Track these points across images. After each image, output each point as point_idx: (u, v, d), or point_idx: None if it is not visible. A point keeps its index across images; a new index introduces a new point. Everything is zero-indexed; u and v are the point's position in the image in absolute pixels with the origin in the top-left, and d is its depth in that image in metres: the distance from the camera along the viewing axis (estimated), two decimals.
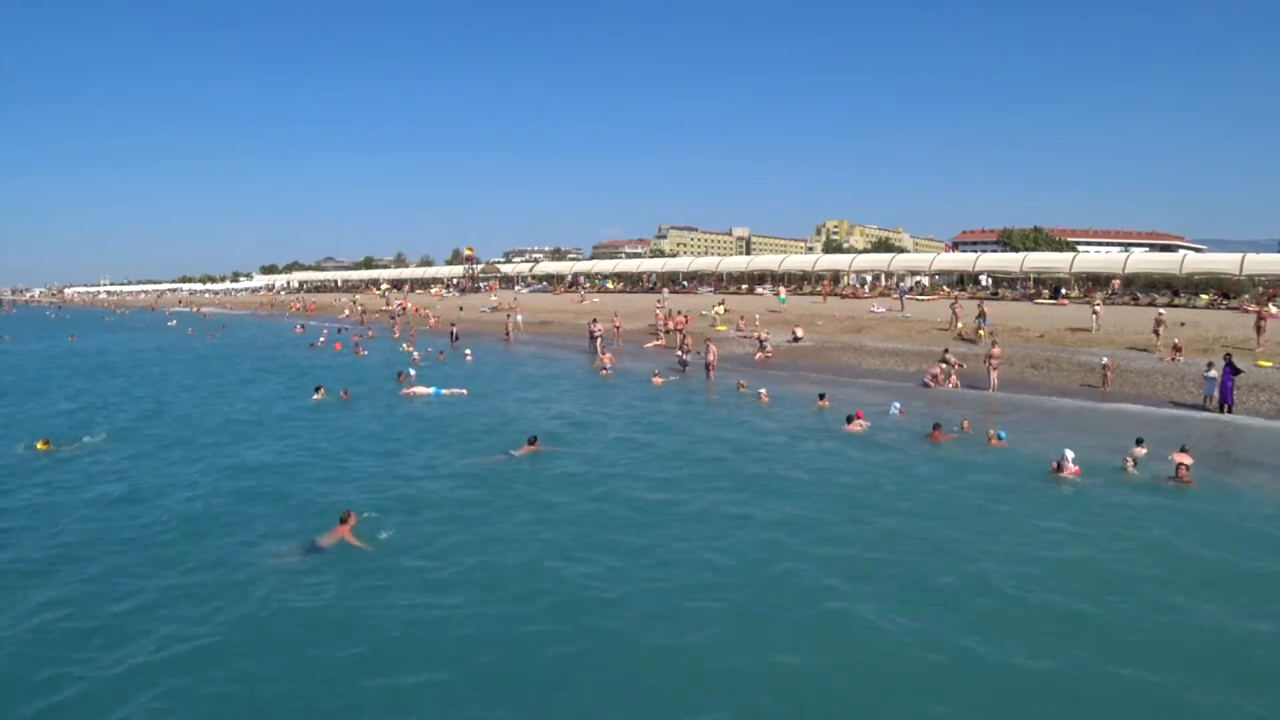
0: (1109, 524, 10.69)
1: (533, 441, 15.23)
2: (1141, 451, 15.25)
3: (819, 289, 55.03)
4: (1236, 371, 19.44)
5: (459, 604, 8.53)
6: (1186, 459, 14.39)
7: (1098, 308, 32.24)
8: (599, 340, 34.12)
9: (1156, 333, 27.32)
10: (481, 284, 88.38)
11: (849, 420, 17.22)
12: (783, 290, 57.21)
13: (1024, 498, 11.94)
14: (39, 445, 15.82)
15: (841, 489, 12.48)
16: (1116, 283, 46.05)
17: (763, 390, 21.64)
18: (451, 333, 40.33)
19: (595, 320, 36.56)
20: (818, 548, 9.90)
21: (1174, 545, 9.95)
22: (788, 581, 8.92)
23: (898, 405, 19.86)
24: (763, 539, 10.24)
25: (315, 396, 21.79)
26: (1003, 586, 8.66)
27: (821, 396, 20.42)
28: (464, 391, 22.17)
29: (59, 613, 8.49)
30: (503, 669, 7.29)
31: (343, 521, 10.66)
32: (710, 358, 27.48)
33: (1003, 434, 16.02)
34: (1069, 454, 12.85)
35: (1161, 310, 33.26)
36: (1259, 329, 26.09)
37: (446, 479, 13.50)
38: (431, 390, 22.27)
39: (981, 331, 31.48)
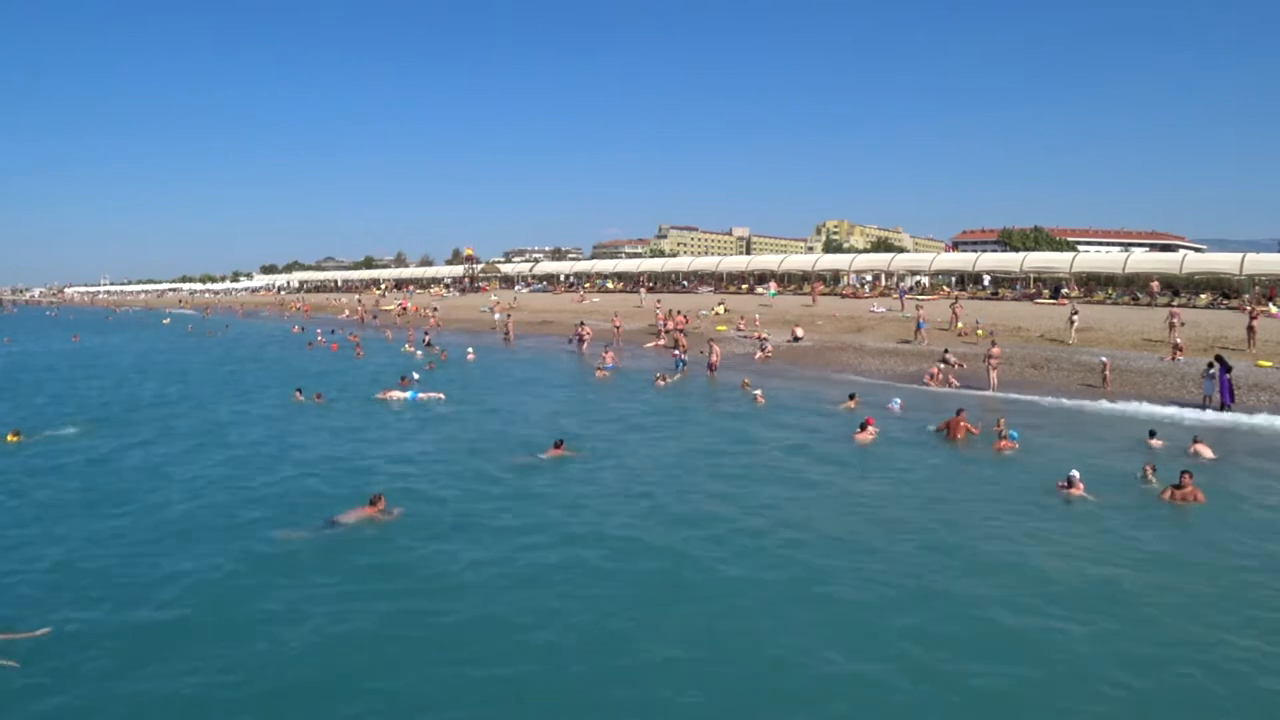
0: (1128, 556, 10.13)
1: (559, 445, 15.18)
2: (1157, 444, 15.57)
3: (810, 289, 54.76)
4: (1228, 369, 19.53)
5: (474, 608, 8.43)
6: (1206, 450, 14.73)
7: (1075, 315, 30.45)
8: (587, 343, 33.81)
9: (1172, 325, 27.97)
10: (481, 284, 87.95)
11: (861, 428, 16.72)
12: (773, 285, 57.89)
13: (1036, 523, 11.37)
14: (9, 437, 16.25)
15: (853, 514, 11.86)
16: (1155, 285, 42.93)
17: (758, 392, 21.45)
18: (424, 338, 39.43)
19: (583, 323, 36.15)
20: (848, 578, 9.35)
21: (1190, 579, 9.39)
22: (807, 618, 8.39)
23: (898, 401, 19.90)
24: (779, 564, 9.76)
25: (299, 397, 21.96)
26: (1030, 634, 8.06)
27: (851, 397, 20.11)
28: (441, 396, 21.95)
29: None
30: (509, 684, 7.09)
31: (371, 503, 10.75)
32: (713, 358, 27.50)
33: (1014, 434, 15.84)
34: (1075, 474, 12.67)
35: (1175, 308, 33.49)
36: (1250, 330, 26.20)
37: (458, 480, 13.50)
38: (408, 395, 21.90)
39: (921, 334, 31.64)
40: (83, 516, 11.50)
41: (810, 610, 8.49)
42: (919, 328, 32.09)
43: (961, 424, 16.54)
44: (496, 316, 51.10)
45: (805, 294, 52.71)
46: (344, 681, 6.99)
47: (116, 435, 17.41)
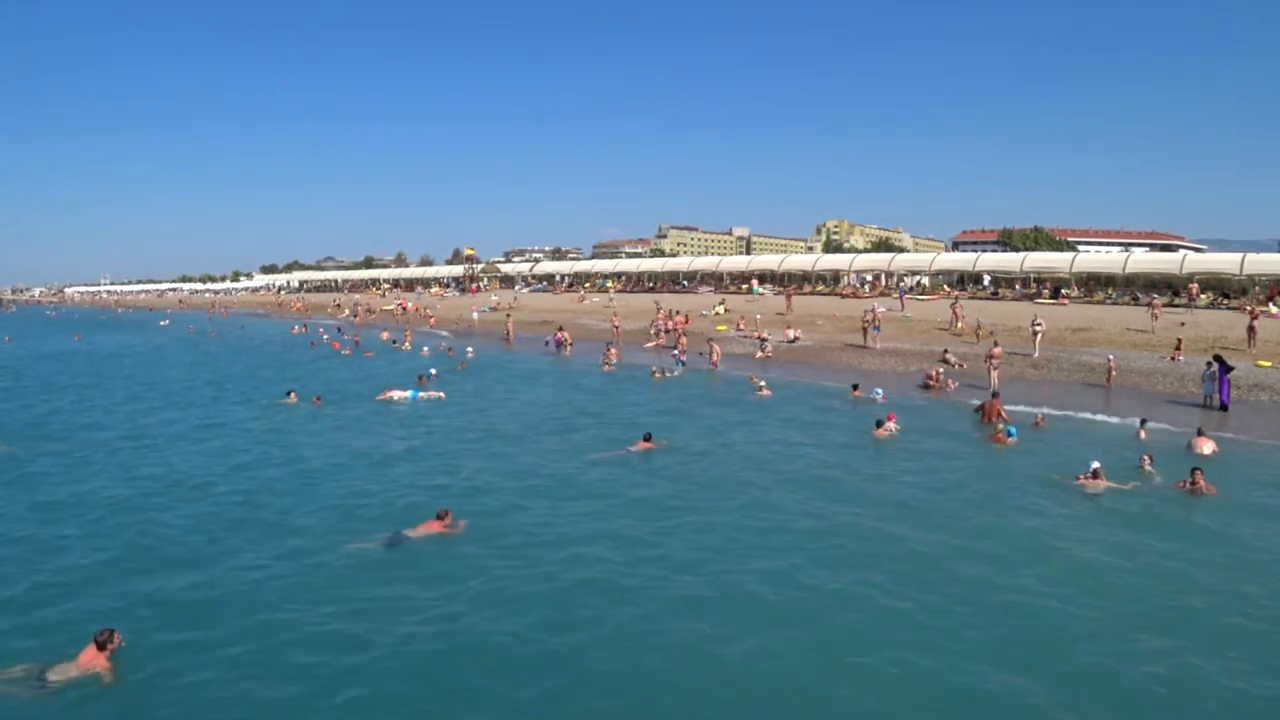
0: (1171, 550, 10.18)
1: (648, 438, 15.57)
2: (1144, 435, 15.98)
3: (785, 289, 54.31)
4: (1228, 369, 19.55)
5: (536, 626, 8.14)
6: (1208, 444, 14.78)
7: (1038, 324, 28.08)
8: (568, 347, 33.85)
9: (1154, 316, 30.92)
10: (473, 285, 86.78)
11: (878, 425, 16.76)
12: (755, 283, 59.60)
13: (1065, 515, 11.51)
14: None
15: (889, 514, 11.65)
16: (1194, 287, 41.65)
17: (763, 384, 22.18)
18: (394, 339, 39.33)
19: (561, 328, 36.41)
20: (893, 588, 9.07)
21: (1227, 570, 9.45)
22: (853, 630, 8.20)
23: (879, 391, 20.72)
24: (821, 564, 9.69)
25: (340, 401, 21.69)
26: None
27: (855, 387, 21.36)
28: (441, 395, 21.94)
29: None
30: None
31: (438, 518, 10.67)
32: (714, 358, 27.55)
33: (1012, 431, 16.04)
34: (1097, 465, 12.76)
35: (1155, 298, 35.22)
36: (1251, 330, 26.26)
37: (539, 477, 13.62)
38: (409, 394, 21.79)
39: (875, 337, 31.37)
40: (145, 525, 11.22)
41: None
42: (874, 330, 31.41)
43: (997, 407, 17.50)
44: (475, 315, 51.24)
45: (808, 294, 52.77)
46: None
47: (162, 442, 16.94)
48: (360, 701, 6.78)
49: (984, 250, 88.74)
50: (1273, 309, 35.88)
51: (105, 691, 6.83)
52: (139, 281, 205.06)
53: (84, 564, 9.76)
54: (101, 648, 7.09)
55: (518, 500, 12.34)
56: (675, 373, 25.97)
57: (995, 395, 18.22)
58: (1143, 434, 16.19)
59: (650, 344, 35.83)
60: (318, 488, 13.11)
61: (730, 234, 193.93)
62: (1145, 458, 13.65)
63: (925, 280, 59.06)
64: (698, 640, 7.81)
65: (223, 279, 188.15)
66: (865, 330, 31.78)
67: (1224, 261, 46.09)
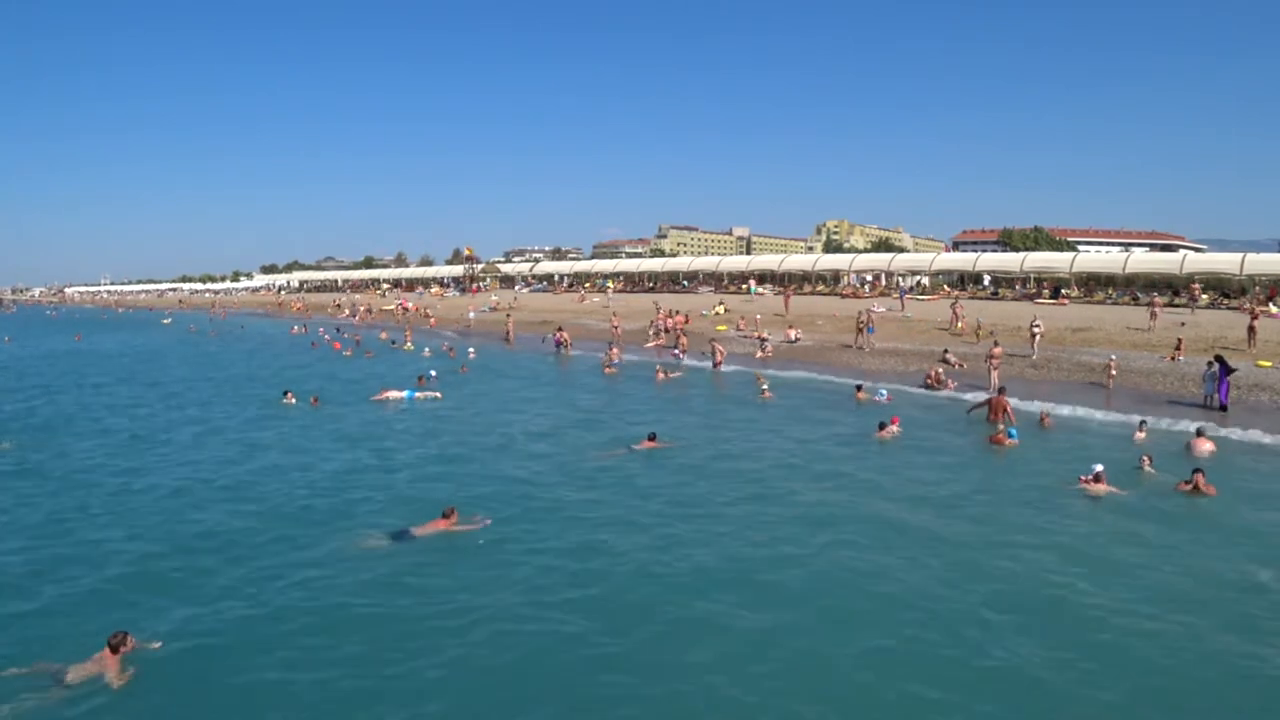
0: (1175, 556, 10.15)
1: (652, 438, 15.64)
2: (1141, 436, 16.09)
3: (784, 289, 54.33)
4: (1230, 370, 19.54)
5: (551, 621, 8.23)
6: (1207, 445, 14.87)
7: (1038, 327, 27.09)
8: (567, 347, 34.14)
9: (1154, 316, 31.34)
10: (472, 286, 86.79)
11: (881, 427, 16.75)
12: (753, 283, 60.40)
13: (1070, 518, 11.54)
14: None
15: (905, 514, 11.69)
16: (1195, 288, 41.87)
17: (766, 386, 22.22)
18: (393, 339, 39.85)
19: (560, 329, 36.83)
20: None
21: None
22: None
23: (884, 392, 20.98)
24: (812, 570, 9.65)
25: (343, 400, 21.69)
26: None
27: (859, 388, 21.59)
28: (438, 395, 21.89)
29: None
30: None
31: (445, 516, 10.67)
32: (718, 358, 27.59)
33: (1014, 432, 16.03)
34: (1100, 468, 12.77)
35: (1156, 298, 35.57)
36: (1251, 330, 26.30)
37: (560, 475, 13.70)
38: (405, 394, 21.67)
39: (869, 339, 31.09)
40: (144, 527, 11.24)
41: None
42: (867, 332, 31.17)
43: (1004, 403, 17.46)
44: (472, 315, 51.43)
45: (807, 294, 52.80)
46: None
47: (171, 443, 17.03)
48: (365, 703, 6.79)
49: (984, 250, 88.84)
50: (1273, 309, 35.90)
51: (118, 694, 6.86)
52: (139, 281, 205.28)
53: (89, 566, 9.77)
54: (115, 650, 7.13)
55: (521, 500, 12.35)
56: (678, 373, 26.07)
57: (1001, 391, 18.19)
58: (1141, 435, 16.22)
59: (650, 344, 35.86)
60: (316, 488, 13.12)
61: (730, 234, 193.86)
62: (1145, 459, 13.72)
63: (925, 280, 59.08)
64: (715, 639, 7.82)
65: (223, 279, 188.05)
66: (859, 331, 31.61)
67: (1224, 261, 46.12)
